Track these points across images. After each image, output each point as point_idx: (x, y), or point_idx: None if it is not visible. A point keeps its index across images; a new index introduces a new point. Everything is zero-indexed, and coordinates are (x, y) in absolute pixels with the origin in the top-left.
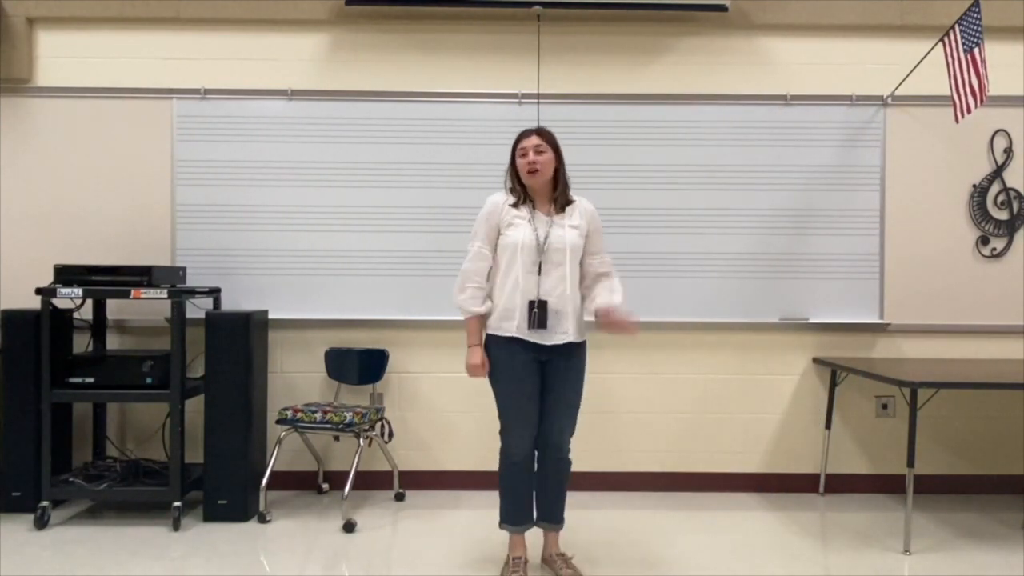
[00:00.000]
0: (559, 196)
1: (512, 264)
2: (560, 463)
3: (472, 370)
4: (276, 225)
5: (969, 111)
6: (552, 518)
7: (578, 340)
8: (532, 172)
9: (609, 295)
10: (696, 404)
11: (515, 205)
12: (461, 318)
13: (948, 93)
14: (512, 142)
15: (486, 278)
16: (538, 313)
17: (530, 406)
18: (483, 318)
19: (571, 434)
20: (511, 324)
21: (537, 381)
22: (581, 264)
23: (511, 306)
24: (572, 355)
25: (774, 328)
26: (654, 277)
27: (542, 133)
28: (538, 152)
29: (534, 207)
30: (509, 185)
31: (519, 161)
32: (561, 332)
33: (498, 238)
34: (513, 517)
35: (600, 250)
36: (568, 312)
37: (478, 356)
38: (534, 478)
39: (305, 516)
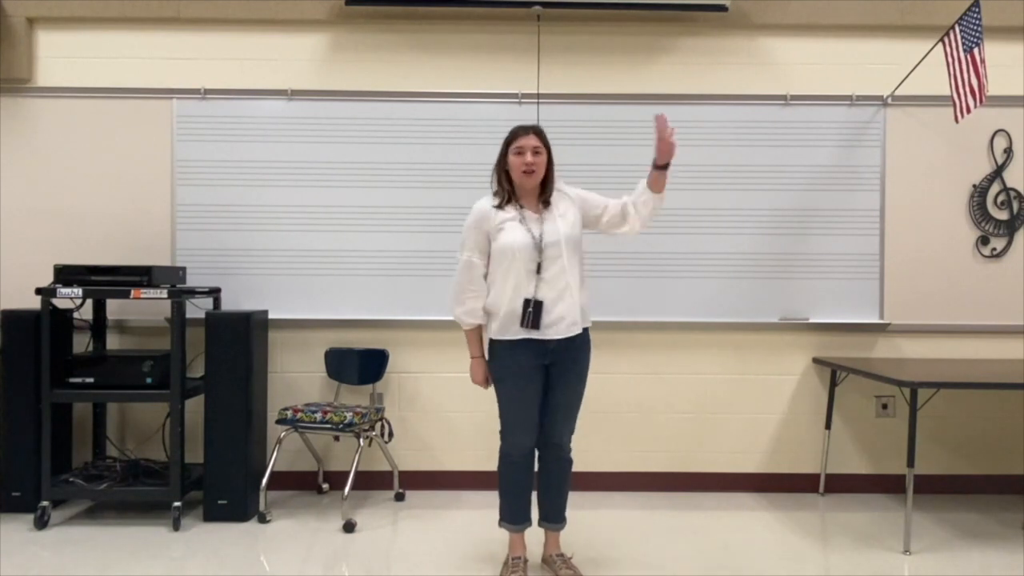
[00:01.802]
0: (547, 194)
1: (511, 268)
2: (561, 463)
3: (476, 382)
4: (276, 225)
5: (969, 111)
6: (553, 518)
7: (581, 328)
8: (529, 173)
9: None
10: (696, 404)
11: (500, 206)
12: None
13: (948, 93)
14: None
15: (481, 287)
16: (532, 313)
17: (532, 409)
18: (482, 326)
19: (572, 433)
20: (517, 328)
21: (540, 385)
22: (603, 218)
23: (514, 309)
24: (576, 352)
25: (774, 328)
26: (654, 277)
27: (539, 133)
28: (535, 153)
29: (521, 206)
30: (495, 180)
31: (514, 159)
32: (569, 324)
33: (489, 245)
34: (513, 516)
35: (605, 201)
36: (569, 304)
37: (480, 371)
38: (533, 477)
39: (305, 516)
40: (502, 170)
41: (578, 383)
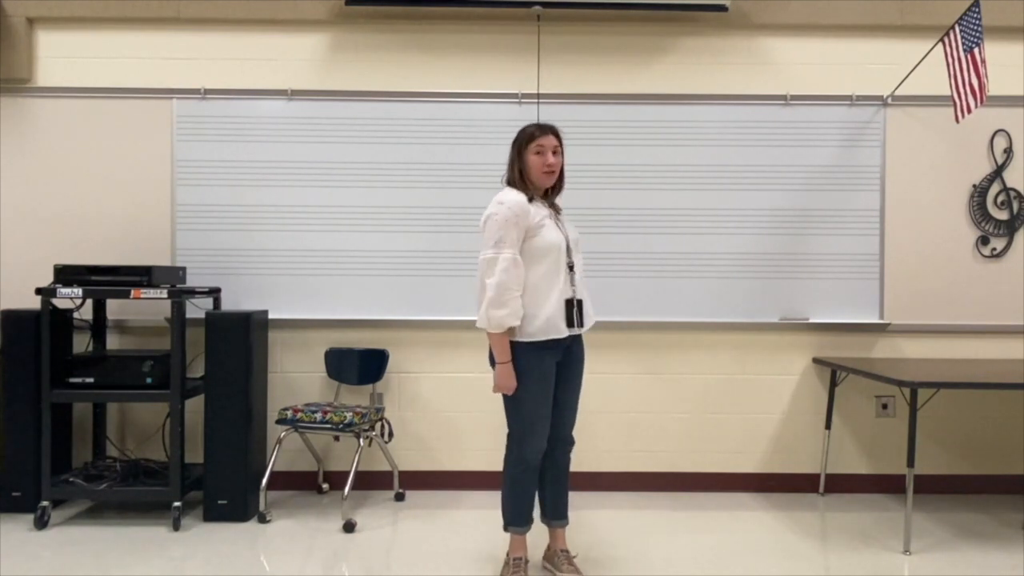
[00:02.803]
0: (556, 194)
1: (557, 267)
2: (568, 457)
3: (505, 389)
4: (276, 225)
5: (969, 111)
6: (562, 514)
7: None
8: (549, 174)
9: None
10: (696, 404)
11: (531, 201)
12: (457, 318)
13: (948, 93)
14: (517, 134)
15: (520, 287)
16: (578, 312)
17: (549, 409)
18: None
19: None
20: (559, 327)
21: (554, 384)
22: None
23: (559, 309)
24: (580, 346)
25: (774, 328)
26: (654, 277)
27: (557, 133)
28: (555, 153)
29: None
30: (508, 177)
31: (534, 159)
32: (591, 319)
33: (523, 241)
34: (523, 519)
35: None
36: (589, 300)
37: (512, 376)
38: None
39: (305, 516)
40: (519, 169)
41: (582, 375)
